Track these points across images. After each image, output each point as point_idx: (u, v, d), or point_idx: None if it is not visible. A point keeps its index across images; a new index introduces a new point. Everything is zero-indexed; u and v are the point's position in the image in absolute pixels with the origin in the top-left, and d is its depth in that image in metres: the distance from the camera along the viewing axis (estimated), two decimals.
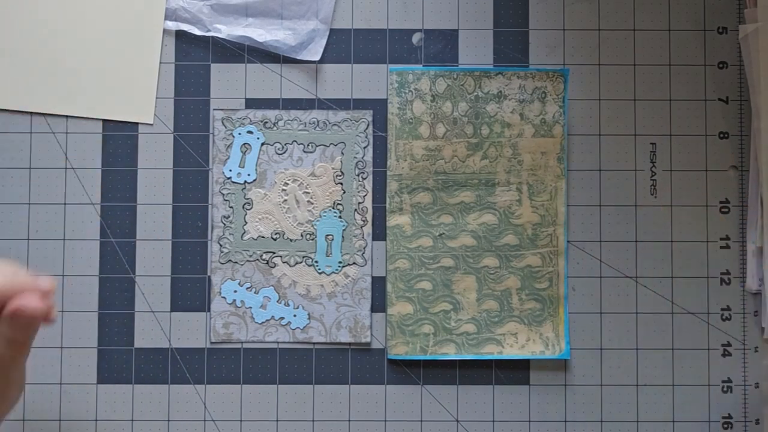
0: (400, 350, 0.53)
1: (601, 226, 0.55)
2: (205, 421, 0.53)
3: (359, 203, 0.54)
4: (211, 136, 0.54)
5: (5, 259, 0.45)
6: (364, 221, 0.54)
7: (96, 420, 0.53)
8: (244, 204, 0.54)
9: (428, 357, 0.53)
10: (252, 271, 0.54)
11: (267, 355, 0.54)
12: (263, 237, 0.54)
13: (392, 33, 0.55)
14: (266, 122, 0.54)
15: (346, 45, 0.55)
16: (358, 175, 0.54)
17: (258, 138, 0.54)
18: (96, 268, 0.54)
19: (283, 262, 0.54)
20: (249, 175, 0.54)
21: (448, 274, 0.54)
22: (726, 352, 0.54)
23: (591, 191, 0.55)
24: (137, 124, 0.55)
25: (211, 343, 0.54)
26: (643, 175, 0.55)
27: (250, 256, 0.54)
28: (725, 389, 0.54)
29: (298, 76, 0.55)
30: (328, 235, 0.54)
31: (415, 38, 0.55)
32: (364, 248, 0.54)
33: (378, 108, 0.55)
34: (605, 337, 0.54)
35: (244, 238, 0.54)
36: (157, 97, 0.54)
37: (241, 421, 0.53)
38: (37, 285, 0.39)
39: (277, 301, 0.54)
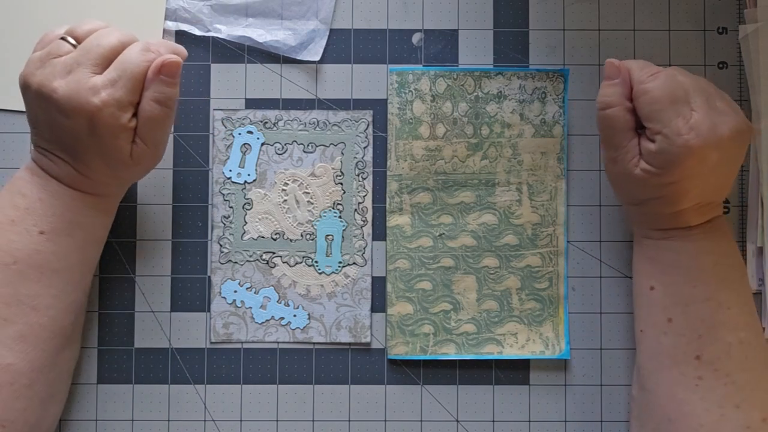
0: (400, 350, 0.53)
1: (601, 226, 0.55)
2: (205, 421, 0.53)
3: (359, 203, 0.54)
4: (211, 136, 0.54)
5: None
6: (364, 221, 0.54)
7: (96, 420, 0.53)
8: (244, 204, 0.54)
9: (428, 357, 0.53)
10: (252, 271, 0.54)
11: (267, 355, 0.54)
12: (263, 237, 0.54)
13: (392, 33, 0.55)
14: (266, 122, 0.54)
15: (346, 45, 0.55)
16: (358, 175, 0.54)
17: (258, 138, 0.54)
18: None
19: (283, 262, 0.54)
20: (249, 175, 0.54)
21: (448, 274, 0.54)
22: None
23: (591, 191, 0.55)
24: None
25: (211, 343, 0.54)
26: None
27: (250, 256, 0.54)
28: None
29: (298, 76, 0.55)
30: (328, 235, 0.54)
31: (415, 38, 0.55)
32: (364, 248, 0.54)
33: (378, 108, 0.55)
34: (605, 337, 0.54)
35: (244, 238, 0.54)
36: None
37: (241, 421, 0.53)
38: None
39: (277, 301, 0.54)
